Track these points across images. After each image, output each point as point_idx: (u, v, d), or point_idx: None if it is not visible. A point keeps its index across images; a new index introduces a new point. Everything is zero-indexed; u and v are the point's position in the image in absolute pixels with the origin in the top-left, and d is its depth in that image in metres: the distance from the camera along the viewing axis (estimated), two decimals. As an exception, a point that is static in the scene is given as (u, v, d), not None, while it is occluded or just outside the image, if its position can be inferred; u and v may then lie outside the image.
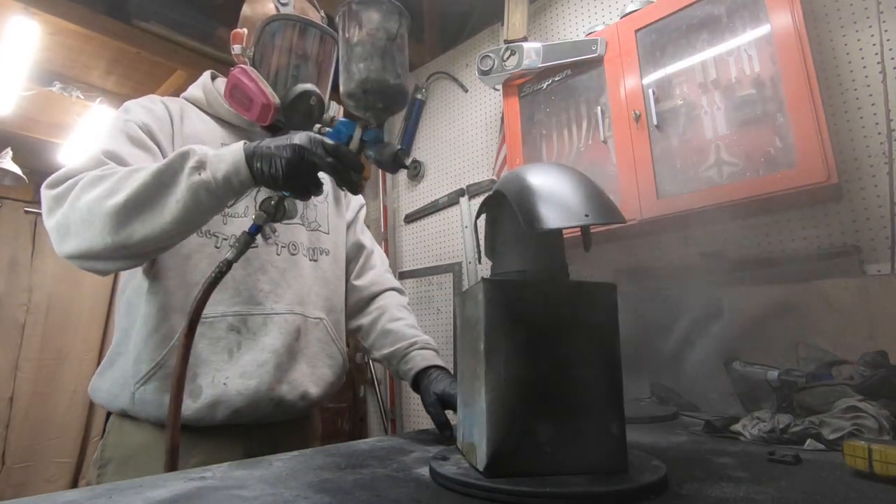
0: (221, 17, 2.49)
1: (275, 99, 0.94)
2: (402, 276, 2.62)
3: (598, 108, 1.63)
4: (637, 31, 1.57)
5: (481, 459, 0.58)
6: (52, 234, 0.79)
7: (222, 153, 0.76)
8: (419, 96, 2.65)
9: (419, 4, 2.42)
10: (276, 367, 0.91)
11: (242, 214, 0.96)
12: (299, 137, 0.75)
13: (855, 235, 1.32)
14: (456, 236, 2.39)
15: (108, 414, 0.93)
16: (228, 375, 0.87)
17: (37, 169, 3.61)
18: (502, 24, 2.02)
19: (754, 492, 0.56)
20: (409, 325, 1.11)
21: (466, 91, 2.49)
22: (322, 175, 1.12)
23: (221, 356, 0.88)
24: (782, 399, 1.01)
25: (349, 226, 1.19)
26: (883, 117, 1.32)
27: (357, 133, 0.77)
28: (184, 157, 0.76)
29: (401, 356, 1.04)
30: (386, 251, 2.66)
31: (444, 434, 0.88)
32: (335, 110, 1.05)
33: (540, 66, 1.77)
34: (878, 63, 1.34)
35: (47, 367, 3.46)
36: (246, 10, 1.07)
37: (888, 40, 1.33)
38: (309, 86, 0.96)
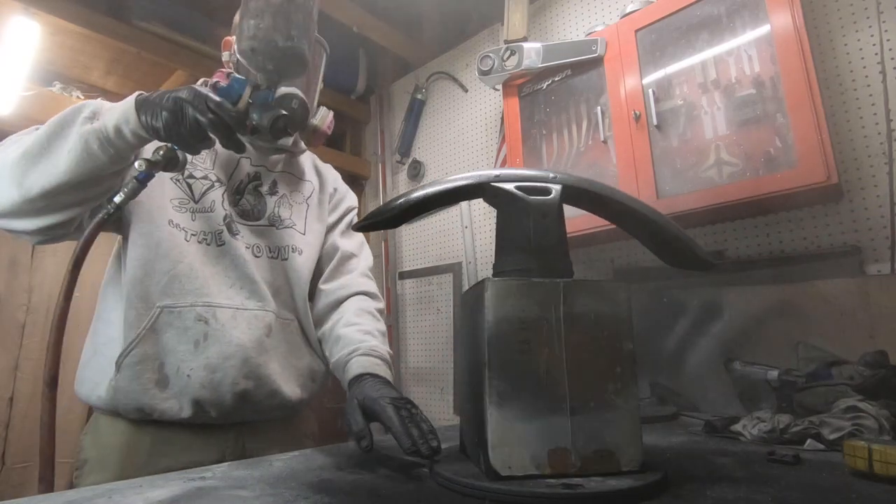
0: (221, 17, 2.49)
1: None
2: (402, 275, 2.62)
3: (598, 108, 1.63)
4: (637, 31, 1.56)
5: (632, 459, 0.60)
6: None
7: (117, 105, 0.76)
8: (419, 96, 2.64)
9: (419, 4, 2.42)
10: (243, 362, 0.89)
11: (209, 209, 0.94)
12: (185, 90, 0.73)
13: (855, 235, 1.32)
14: (456, 236, 2.39)
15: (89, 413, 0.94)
16: (193, 367, 0.86)
17: (37, 169, 3.62)
18: (502, 24, 2.02)
19: (754, 492, 0.56)
20: (363, 330, 1.01)
21: (466, 91, 2.48)
22: (309, 178, 1.11)
23: (187, 346, 0.87)
24: (782, 399, 1.01)
25: (330, 228, 1.13)
26: (883, 117, 1.32)
27: (246, 92, 0.75)
28: (79, 108, 0.77)
29: (343, 364, 0.95)
30: (386, 251, 2.66)
31: (360, 445, 0.73)
32: (322, 114, 1.04)
33: (540, 66, 1.77)
34: (878, 63, 1.34)
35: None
36: (235, 18, 1.03)
37: (888, 40, 1.33)
38: (291, 89, 0.91)
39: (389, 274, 2.63)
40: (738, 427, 0.93)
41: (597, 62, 1.65)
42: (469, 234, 2.31)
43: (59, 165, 0.73)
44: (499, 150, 2.17)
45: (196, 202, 0.94)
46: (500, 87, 1.98)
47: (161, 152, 0.78)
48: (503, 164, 2.10)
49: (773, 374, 1.04)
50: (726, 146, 1.36)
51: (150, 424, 0.87)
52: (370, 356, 0.94)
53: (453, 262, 2.37)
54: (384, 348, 0.99)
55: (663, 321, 1.49)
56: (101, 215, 0.77)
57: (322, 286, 1.09)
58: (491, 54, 1.87)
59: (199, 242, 0.92)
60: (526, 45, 1.81)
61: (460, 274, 2.33)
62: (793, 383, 1.00)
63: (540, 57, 1.77)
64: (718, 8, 1.42)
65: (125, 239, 0.90)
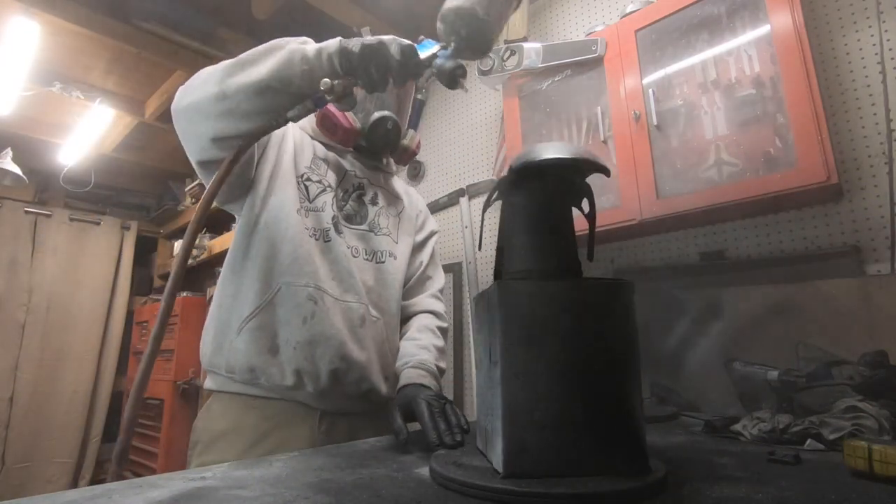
0: (222, 17, 2.49)
1: (357, 125, 1.09)
2: (402, 276, 2.62)
3: (598, 108, 1.63)
4: (637, 31, 1.56)
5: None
6: (176, 97, 0.90)
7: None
8: (419, 96, 2.63)
9: (419, 4, 2.42)
10: (340, 344, 0.99)
11: (321, 209, 1.06)
12: (382, 39, 0.82)
13: (855, 235, 1.32)
14: (456, 236, 2.39)
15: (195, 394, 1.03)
16: (299, 340, 0.97)
17: (37, 169, 3.62)
18: (502, 24, 2.02)
19: (754, 492, 0.56)
20: (419, 345, 1.13)
21: (466, 91, 2.48)
22: (400, 196, 1.27)
23: (297, 321, 0.98)
24: (782, 399, 1.01)
25: (418, 245, 1.27)
26: (883, 117, 1.32)
27: (434, 48, 0.84)
28: (294, 38, 0.87)
29: (398, 374, 1.08)
30: (386, 251, 2.66)
31: (398, 439, 0.84)
32: (411, 135, 1.22)
33: (540, 66, 1.77)
34: (878, 63, 1.34)
35: (47, 367, 3.47)
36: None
37: (888, 40, 1.33)
38: (385, 112, 1.11)
39: (389, 274, 2.63)
40: (738, 427, 0.93)
41: (597, 62, 1.65)
42: (469, 234, 2.31)
43: (261, 69, 0.82)
44: (499, 151, 2.18)
45: (310, 202, 1.06)
46: (500, 87, 1.98)
47: (341, 84, 0.81)
48: (503, 165, 2.10)
49: (773, 374, 1.04)
50: (726, 146, 1.36)
51: (254, 411, 0.97)
52: (418, 368, 1.06)
53: (453, 262, 2.37)
54: (434, 362, 1.10)
55: (663, 321, 1.49)
56: (271, 123, 0.84)
57: (401, 301, 1.20)
58: (491, 54, 1.87)
59: (310, 237, 1.04)
60: (526, 45, 1.81)
61: (460, 274, 2.33)
62: (793, 383, 1.00)
63: (540, 57, 1.77)
64: (718, 8, 1.42)
65: (256, 223, 1.02)
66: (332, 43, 0.83)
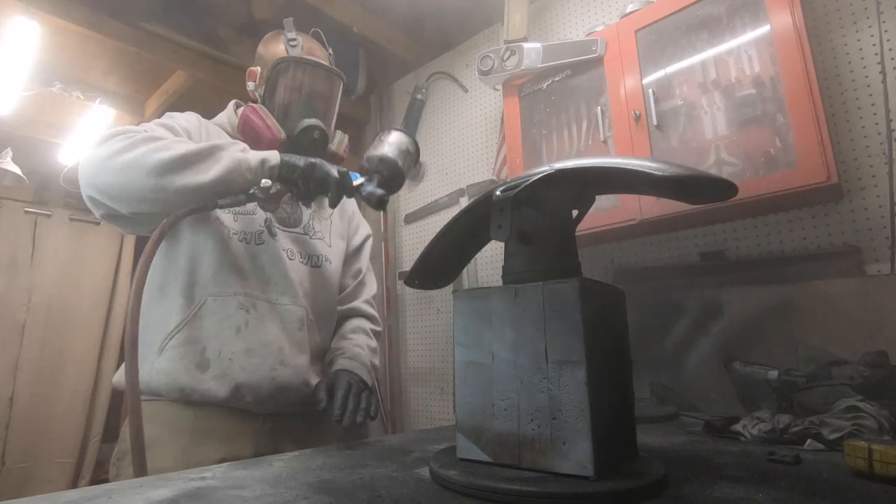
0: (222, 17, 2.48)
1: (281, 134, 1.05)
2: (402, 276, 2.62)
3: (598, 108, 1.63)
4: (637, 31, 1.56)
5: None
6: (90, 160, 0.89)
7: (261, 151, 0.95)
8: (419, 96, 2.64)
9: (419, 4, 2.42)
10: (279, 350, 0.98)
11: (251, 212, 1.05)
12: (322, 161, 0.95)
13: (855, 235, 1.32)
14: (456, 236, 2.39)
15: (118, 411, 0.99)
16: (234, 351, 0.94)
17: (37, 169, 3.61)
18: (502, 24, 2.02)
19: (754, 492, 0.56)
20: (354, 343, 1.14)
21: (466, 91, 2.49)
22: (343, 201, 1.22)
23: (230, 332, 0.95)
24: (782, 399, 1.01)
25: (355, 251, 1.27)
26: (883, 117, 1.32)
27: (361, 179, 0.99)
28: (234, 142, 0.94)
29: (328, 364, 1.10)
30: (386, 251, 2.66)
31: (317, 408, 0.92)
32: (339, 139, 1.17)
33: (540, 66, 1.77)
34: (878, 63, 1.34)
35: (47, 367, 3.46)
36: (260, 49, 1.17)
37: (888, 40, 1.33)
38: (313, 120, 1.07)
39: (389, 274, 2.63)
40: (738, 427, 0.93)
41: (597, 62, 1.65)
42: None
43: (205, 175, 0.87)
44: (499, 150, 2.17)
45: (241, 206, 1.04)
46: (500, 87, 1.98)
47: (276, 188, 0.92)
48: (503, 165, 2.10)
49: (773, 374, 1.04)
50: (726, 146, 1.36)
51: (189, 412, 0.93)
52: (352, 360, 1.07)
53: (453, 262, 2.37)
54: (368, 358, 1.12)
55: (663, 321, 1.49)
56: (200, 207, 0.90)
57: (337, 306, 1.20)
58: (491, 54, 1.87)
59: (240, 241, 1.02)
60: (526, 45, 1.81)
61: (460, 274, 2.33)
62: (793, 383, 1.00)
63: (540, 57, 1.77)
64: (718, 8, 1.42)
65: (174, 236, 1.00)
66: (273, 156, 0.92)
